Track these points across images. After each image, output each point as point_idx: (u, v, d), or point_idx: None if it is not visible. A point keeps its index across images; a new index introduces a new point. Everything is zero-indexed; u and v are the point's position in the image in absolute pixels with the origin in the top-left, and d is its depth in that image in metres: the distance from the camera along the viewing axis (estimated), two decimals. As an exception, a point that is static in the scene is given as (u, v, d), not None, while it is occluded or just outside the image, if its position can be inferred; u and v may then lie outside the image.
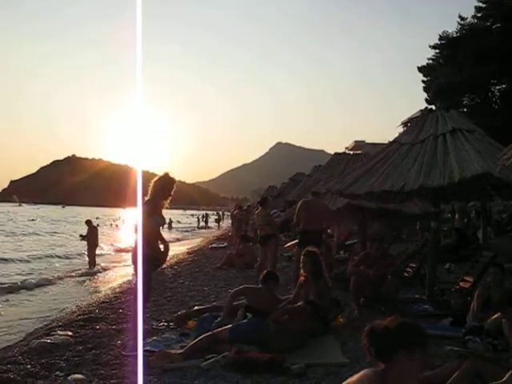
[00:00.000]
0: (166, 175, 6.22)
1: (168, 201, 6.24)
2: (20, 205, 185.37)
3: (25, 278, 15.74)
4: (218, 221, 61.39)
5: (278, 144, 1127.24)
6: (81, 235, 18.24)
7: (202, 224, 61.33)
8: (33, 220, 62.68)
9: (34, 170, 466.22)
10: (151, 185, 6.12)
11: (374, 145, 39.27)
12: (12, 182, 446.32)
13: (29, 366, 5.66)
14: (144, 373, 4.85)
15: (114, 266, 19.46)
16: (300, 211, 9.81)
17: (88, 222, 18.44)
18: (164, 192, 6.18)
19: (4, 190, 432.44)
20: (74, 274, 17.05)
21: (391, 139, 9.18)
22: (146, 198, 6.11)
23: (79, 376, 5.15)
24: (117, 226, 55.57)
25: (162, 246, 6.21)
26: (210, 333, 5.94)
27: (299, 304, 6.86)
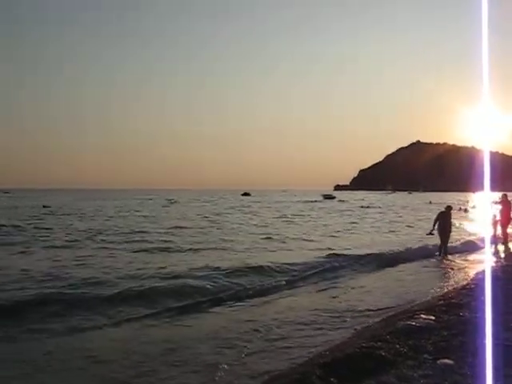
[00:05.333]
0: None
1: None
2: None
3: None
4: None
5: None
6: (430, 233, 17.98)
7: None
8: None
9: (380, 158, 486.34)
10: None
11: None
12: (361, 171, 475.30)
13: (397, 346, 5.92)
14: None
15: (468, 252, 18.83)
16: None
17: (447, 208, 18.37)
18: None
19: (354, 178, 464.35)
20: (424, 260, 17.09)
21: None
22: None
23: (448, 361, 5.15)
24: (466, 210, 53.72)
25: None
26: None
27: None
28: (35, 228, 27.68)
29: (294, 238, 23.59)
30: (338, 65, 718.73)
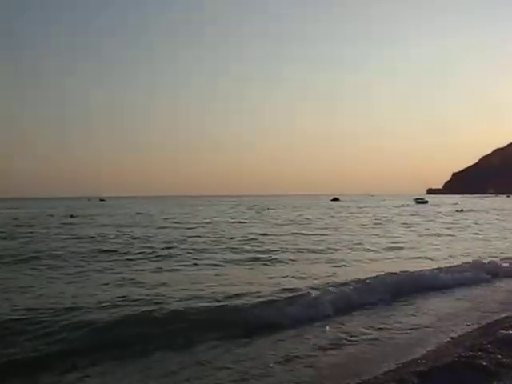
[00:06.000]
0: None
1: None
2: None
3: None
4: None
5: None
6: None
7: None
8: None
9: (475, 160, 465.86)
10: None
11: None
12: (454, 174, 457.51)
13: (499, 356, 5.65)
14: None
15: None
16: None
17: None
18: None
19: (447, 182, 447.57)
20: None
21: None
22: None
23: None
24: None
25: None
26: None
27: None
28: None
29: (409, 246, 22.53)
30: (426, 63, 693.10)
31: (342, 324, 8.95)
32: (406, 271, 13.35)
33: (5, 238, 26.80)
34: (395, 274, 12.93)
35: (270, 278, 13.74)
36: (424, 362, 6.41)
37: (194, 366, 6.74)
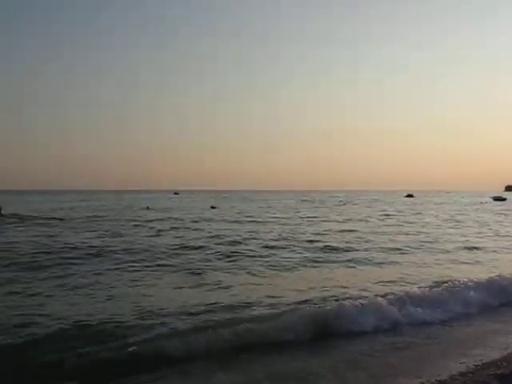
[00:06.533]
0: None
1: None
2: None
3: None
4: None
5: None
6: None
7: None
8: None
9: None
10: None
11: None
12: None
13: None
14: None
15: None
16: None
17: None
18: None
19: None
20: None
21: None
22: None
23: None
24: None
25: None
26: None
27: None
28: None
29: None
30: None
31: (422, 327, 8.97)
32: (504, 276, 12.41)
33: (75, 230, 26.89)
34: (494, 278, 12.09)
35: (355, 279, 13.27)
36: (505, 364, 6.45)
37: (266, 366, 6.92)
